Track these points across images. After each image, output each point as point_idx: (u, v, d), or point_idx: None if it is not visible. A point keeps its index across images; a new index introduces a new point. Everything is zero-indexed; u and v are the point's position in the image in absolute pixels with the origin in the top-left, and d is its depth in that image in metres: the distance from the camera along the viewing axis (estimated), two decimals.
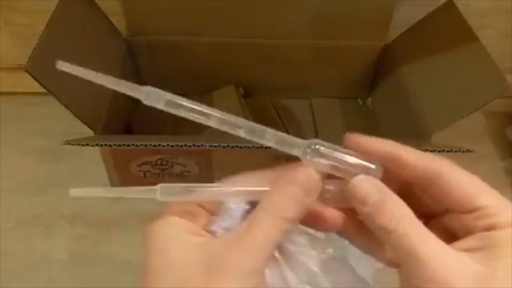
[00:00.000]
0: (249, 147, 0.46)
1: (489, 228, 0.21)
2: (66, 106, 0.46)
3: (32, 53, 0.44)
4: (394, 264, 0.25)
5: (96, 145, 0.49)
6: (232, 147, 0.47)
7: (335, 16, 0.62)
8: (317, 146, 0.24)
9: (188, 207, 0.25)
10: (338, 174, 0.24)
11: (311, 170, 0.23)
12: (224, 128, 0.26)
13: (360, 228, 0.25)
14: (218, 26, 0.63)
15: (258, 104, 0.69)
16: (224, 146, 0.47)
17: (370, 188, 0.23)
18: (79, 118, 0.48)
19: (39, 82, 0.43)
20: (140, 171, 0.53)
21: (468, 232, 0.22)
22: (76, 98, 0.48)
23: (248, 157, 0.51)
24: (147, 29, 0.63)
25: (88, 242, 0.55)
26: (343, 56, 0.67)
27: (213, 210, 0.25)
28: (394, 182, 0.24)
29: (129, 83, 0.25)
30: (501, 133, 0.71)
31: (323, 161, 0.24)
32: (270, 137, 0.24)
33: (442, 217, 0.25)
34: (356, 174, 0.23)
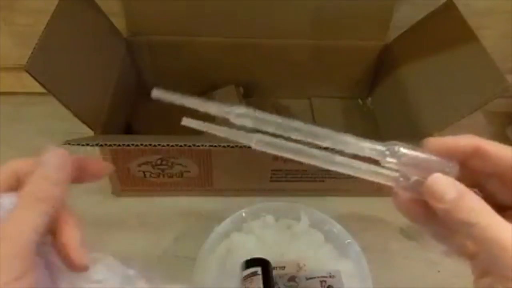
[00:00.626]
0: (249, 147, 0.46)
1: None
2: (66, 106, 0.46)
3: (32, 53, 0.44)
4: (467, 254, 0.26)
5: (96, 145, 0.49)
6: (232, 147, 0.47)
7: (335, 16, 0.62)
8: (396, 148, 0.26)
9: None
10: (416, 175, 0.25)
11: (58, 148, 0.25)
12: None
13: (433, 219, 0.26)
14: (218, 26, 0.63)
15: (258, 104, 0.69)
16: (224, 146, 0.47)
17: (447, 186, 0.24)
18: (79, 118, 0.48)
19: (39, 82, 0.43)
20: (140, 171, 0.53)
21: None
22: (76, 98, 0.48)
23: (248, 157, 0.51)
24: (147, 29, 0.63)
25: (87, 242, 0.55)
26: (343, 56, 0.67)
27: None
28: (468, 180, 0.25)
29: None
30: (501, 133, 0.71)
31: (403, 159, 0.25)
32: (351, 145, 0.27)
33: None
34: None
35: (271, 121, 0.27)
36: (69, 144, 0.45)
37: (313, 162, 0.26)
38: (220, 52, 0.66)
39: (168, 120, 0.67)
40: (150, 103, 0.72)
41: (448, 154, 0.26)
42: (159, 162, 0.53)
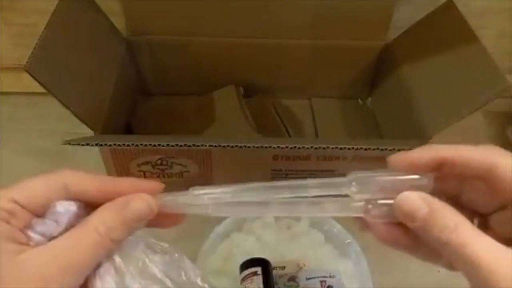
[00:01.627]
0: (249, 147, 0.46)
1: None
2: (66, 106, 0.46)
3: (32, 53, 0.44)
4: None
5: (96, 145, 0.49)
6: (232, 147, 0.47)
7: (335, 16, 0.62)
8: (360, 175, 0.24)
9: (5, 205, 0.22)
10: (389, 198, 0.24)
11: (149, 198, 0.24)
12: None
13: (412, 241, 0.25)
14: (218, 26, 0.63)
15: (258, 104, 0.69)
16: (224, 146, 0.47)
17: (417, 203, 0.23)
18: (79, 118, 0.48)
19: (39, 82, 0.43)
20: (140, 171, 0.53)
21: None
22: (76, 98, 0.48)
23: (248, 157, 0.51)
24: (147, 29, 0.63)
25: None
26: (343, 56, 0.67)
27: (38, 210, 0.23)
28: (445, 190, 0.24)
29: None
30: (501, 133, 0.71)
31: (372, 187, 0.24)
32: (312, 188, 0.25)
33: (497, 214, 0.24)
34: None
35: (227, 191, 0.26)
36: (69, 144, 0.45)
37: (276, 214, 0.26)
38: (220, 52, 0.66)
39: (168, 120, 0.67)
40: (150, 103, 0.72)
41: (413, 170, 0.24)
42: (159, 162, 0.53)
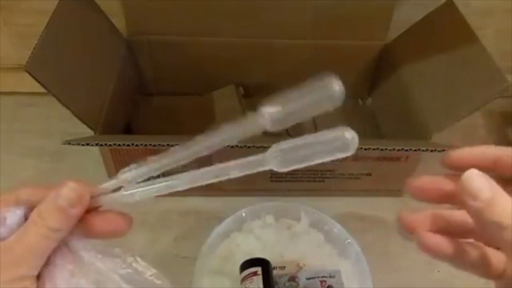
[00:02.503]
0: (249, 147, 0.46)
1: None
2: (66, 106, 0.46)
3: (32, 53, 0.44)
4: (493, 275, 0.25)
5: (96, 145, 0.49)
6: (232, 146, 0.46)
7: (335, 16, 0.62)
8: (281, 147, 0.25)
9: None
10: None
11: (75, 184, 0.25)
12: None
13: (458, 249, 0.25)
14: (218, 26, 0.63)
15: (258, 104, 0.69)
16: (224, 146, 0.47)
17: (483, 184, 0.22)
18: (79, 118, 0.48)
19: (39, 82, 0.43)
20: None
21: None
22: (76, 98, 0.48)
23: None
24: (147, 29, 0.63)
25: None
26: (343, 56, 0.67)
27: None
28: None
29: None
30: (501, 133, 0.71)
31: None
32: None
33: None
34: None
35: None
36: (69, 144, 0.45)
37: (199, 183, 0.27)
38: (220, 52, 0.66)
39: (168, 120, 0.67)
40: (150, 103, 0.72)
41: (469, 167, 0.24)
42: None
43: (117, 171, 0.28)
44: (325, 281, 0.47)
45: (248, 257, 0.46)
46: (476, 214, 0.22)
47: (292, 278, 0.48)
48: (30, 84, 0.42)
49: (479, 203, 0.22)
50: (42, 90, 0.43)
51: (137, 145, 0.47)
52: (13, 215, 0.25)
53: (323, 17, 0.62)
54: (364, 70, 0.70)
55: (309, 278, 0.48)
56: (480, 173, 0.23)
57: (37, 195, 0.26)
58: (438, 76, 0.56)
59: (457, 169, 0.24)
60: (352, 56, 0.67)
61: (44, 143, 0.64)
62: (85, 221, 0.26)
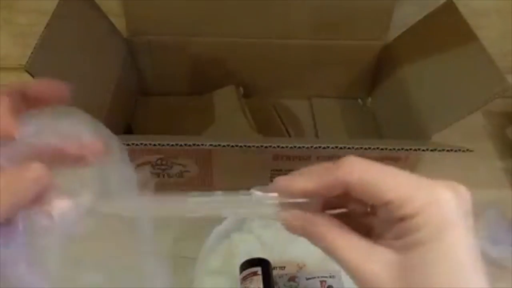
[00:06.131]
0: (249, 146, 0.46)
1: (402, 219, 0.23)
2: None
3: (32, 53, 0.44)
4: None
5: None
6: (232, 146, 0.47)
7: (335, 16, 0.62)
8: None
9: None
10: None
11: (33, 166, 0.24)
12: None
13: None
14: (218, 26, 0.63)
15: (258, 104, 0.69)
16: (224, 146, 0.47)
17: (295, 220, 0.26)
18: None
19: None
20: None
21: (391, 224, 0.24)
22: (76, 98, 0.48)
23: (248, 157, 0.51)
24: (147, 29, 0.63)
25: None
26: (343, 56, 0.67)
27: None
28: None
29: None
30: (501, 133, 0.71)
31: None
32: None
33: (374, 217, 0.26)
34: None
35: None
36: None
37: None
38: (220, 52, 0.66)
39: (168, 120, 0.67)
40: (150, 103, 0.72)
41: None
42: (159, 162, 0.53)
43: None
44: (325, 281, 0.47)
45: (248, 257, 0.46)
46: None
47: (292, 278, 0.48)
48: None
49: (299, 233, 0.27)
50: None
51: (137, 145, 0.47)
52: None
53: (323, 17, 0.62)
54: (364, 70, 0.70)
55: (309, 278, 0.48)
56: (285, 213, 0.26)
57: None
58: (438, 76, 0.56)
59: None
60: (352, 56, 0.67)
61: None
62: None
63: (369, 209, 0.25)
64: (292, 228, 0.26)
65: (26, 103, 0.26)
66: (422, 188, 0.23)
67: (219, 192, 0.27)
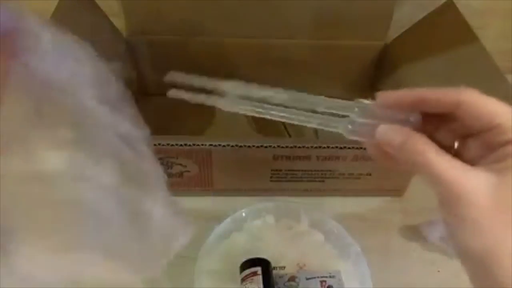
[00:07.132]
0: (249, 146, 0.46)
1: (505, 143, 0.25)
2: None
3: None
4: None
5: None
6: (232, 146, 0.47)
7: (335, 16, 0.62)
8: (364, 102, 0.30)
9: None
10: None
11: None
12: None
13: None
14: (218, 26, 0.63)
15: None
16: (224, 146, 0.47)
17: (392, 133, 0.28)
18: None
19: None
20: None
21: (491, 149, 0.26)
22: None
23: (248, 157, 0.51)
24: (147, 29, 0.63)
25: None
26: (343, 56, 0.67)
27: None
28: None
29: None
30: None
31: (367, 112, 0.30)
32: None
33: (474, 139, 0.28)
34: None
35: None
36: None
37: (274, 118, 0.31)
38: (220, 52, 0.66)
39: (168, 120, 0.67)
40: (150, 103, 0.72)
41: (397, 106, 0.29)
42: (159, 162, 0.53)
43: None
44: (325, 281, 0.47)
45: (248, 257, 0.46)
46: (399, 158, 0.27)
47: (292, 278, 0.48)
48: None
49: (394, 150, 0.27)
50: None
51: None
52: None
53: (323, 17, 0.62)
54: (364, 70, 0.70)
55: (309, 278, 0.48)
56: (391, 126, 0.28)
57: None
58: (438, 76, 0.56)
59: (387, 108, 0.29)
60: (352, 56, 0.67)
61: None
62: None
63: (456, 145, 0.28)
64: (388, 144, 0.28)
65: None
66: None
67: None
